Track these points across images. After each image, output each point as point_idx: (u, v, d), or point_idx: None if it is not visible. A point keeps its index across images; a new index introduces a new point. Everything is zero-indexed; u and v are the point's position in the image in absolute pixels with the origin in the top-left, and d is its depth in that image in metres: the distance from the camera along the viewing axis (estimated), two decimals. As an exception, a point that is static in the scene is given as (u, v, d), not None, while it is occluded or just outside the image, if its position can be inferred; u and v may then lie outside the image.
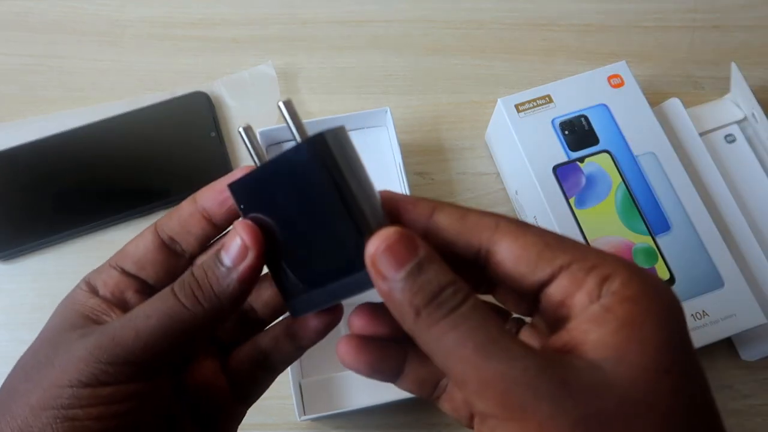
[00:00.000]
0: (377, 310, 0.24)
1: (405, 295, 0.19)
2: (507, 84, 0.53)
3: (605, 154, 0.43)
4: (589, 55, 0.54)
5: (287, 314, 0.27)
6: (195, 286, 0.23)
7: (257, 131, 0.45)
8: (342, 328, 0.43)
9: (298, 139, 0.23)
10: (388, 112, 0.46)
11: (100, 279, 0.25)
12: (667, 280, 0.40)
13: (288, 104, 0.23)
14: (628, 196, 0.42)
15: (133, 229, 0.48)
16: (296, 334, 0.26)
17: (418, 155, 0.50)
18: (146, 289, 0.26)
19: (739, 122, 0.47)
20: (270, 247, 0.23)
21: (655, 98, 0.46)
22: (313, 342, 0.26)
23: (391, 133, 0.46)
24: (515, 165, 0.45)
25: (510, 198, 0.49)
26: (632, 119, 0.44)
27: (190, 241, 0.26)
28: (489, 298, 0.24)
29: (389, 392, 0.39)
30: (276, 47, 0.54)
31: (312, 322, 0.25)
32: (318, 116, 0.48)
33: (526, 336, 0.24)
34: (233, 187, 0.24)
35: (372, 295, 0.22)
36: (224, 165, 0.49)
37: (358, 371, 0.24)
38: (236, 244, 0.22)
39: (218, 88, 0.52)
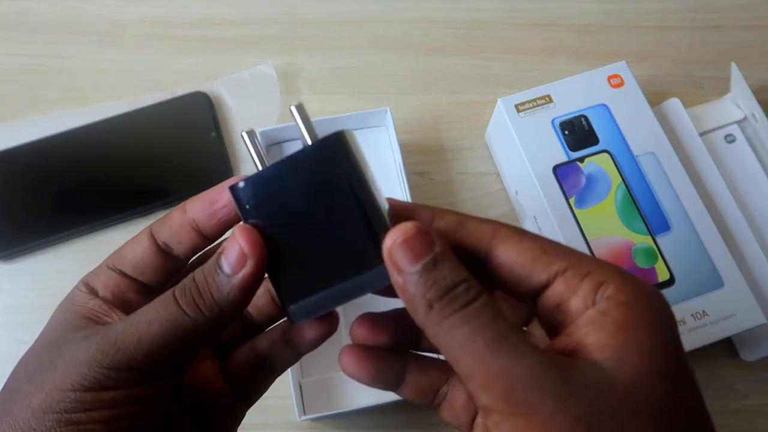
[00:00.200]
0: (378, 320, 0.25)
1: (419, 288, 0.20)
2: (507, 84, 0.53)
3: (605, 154, 0.43)
4: (589, 55, 0.54)
5: (285, 319, 0.27)
6: (196, 294, 0.22)
7: (257, 131, 0.45)
8: (343, 331, 0.43)
9: (309, 141, 0.23)
10: (388, 112, 0.46)
11: (99, 281, 0.25)
12: (667, 280, 0.40)
13: (300, 108, 0.23)
14: (628, 196, 0.42)
15: (133, 229, 0.48)
16: (293, 341, 0.26)
17: (418, 155, 0.50)
18: (147, 290, 0.26)
19: (739, 122, 0.47)
20: (272, 252, 0.22)
21: (655, 98, 0.46)
22: (310, 349, 0.27)
23: (391, 133, 0.46)
24: (515, 165, 0.45)
25: (510, 198, 0.49)
26: (632, 119, 0.44)
27: (182, 249, 0.25)
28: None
29: (389, 392, 0.39)
30: (276, 47, 0.54)
31: (308, 332, 0.26)
32: (318, 116, 0.48)
33: None
34: (236, 189, 0.23)
35: (369, 303, 0.22)
36: (224, 165, 0.49)
37: (360, 380, 0.25)
38: (234, 251, 0.22)
39: (218, 88, 0.52)
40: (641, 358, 0.19)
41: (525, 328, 0.25)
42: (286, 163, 0.22)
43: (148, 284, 0.26)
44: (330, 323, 0.25)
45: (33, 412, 0.21)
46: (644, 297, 0.20)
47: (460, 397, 0.25)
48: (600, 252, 0.41)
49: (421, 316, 0.20)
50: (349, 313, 0.29)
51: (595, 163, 0.43)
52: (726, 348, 0.45)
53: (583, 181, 0.43)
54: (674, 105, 0.47)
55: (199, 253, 0.27)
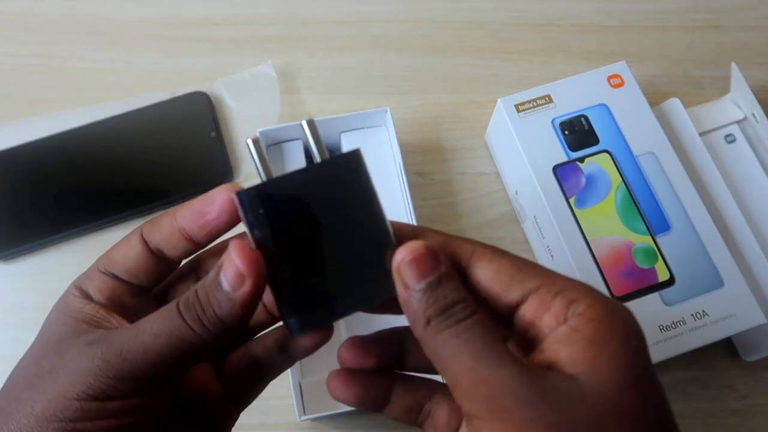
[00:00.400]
0: (364, 343, 0.26)
1: (421, 304, 0.21)
2: (507, 84, 0.53)
3: (605, 154, 0.43)
4: (589, 55, 0.54)
5: (279, 324, 0.27)
6: (200, 310, 0.22)
7: (257, 131, 0.45)
8: (342, 330, 0.43)
9: (318, 157, 0.23)
10: (388, 112, 0.46)
11: (92, 285, 0.25)
12: (667, 280, 0.40)
13: (311, 124, 0.23)
14: (628, 196, 0.42)
15: (133, 229, 0.48)
16: (287, 347, 0.27)
17: (418, 155, 0.50)
18: (143, 292, 0.26)
19: (739, 122, 0.47)
20: (274, 263, 0.22)
21: (655, 98, 0.46)
22: (304, 356, 0.27)
23: (391, 133, 0.46)
24: (515, 165, 0.45)
25: (510, 198, 0.49)
26: (632, 119, 0.44)
27: (175, 254, 0.25)
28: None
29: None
30: (276, 47, 0.54)
31: (303, 340, 0.26)
32: (318, 116, 0.48)
33: None
34: (243, 195, 0.22)
35: (366, 321, 0.22)
36: (224, 165, 0.49)
37: (348, 403, 0.26)
38: (232, 270, 0.21)
39: (218, 88, 0.52)
40: (612, 372, 0.20)
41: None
42: (298, 174, 0.22)
43: (142, 287, 0.26)
44: (325, 332, 0.26)
45: (36, 419, 0.21)
46: (614, 313, 0.21)
47: (442, 413, 0.26)
48: (600, 252, 0.41)
49: (419, 329, 0.22)
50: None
51: (595, 163, 0.43)
52: (726, 348, 0.45)
53: (583, 181, 0.43)
54: (674, 105, 0.47)
55: (192, 256, 0.27)
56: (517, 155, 0.44)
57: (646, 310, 0.39)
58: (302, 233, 0.22)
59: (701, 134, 0.46)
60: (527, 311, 0.22)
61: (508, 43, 0.55)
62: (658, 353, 0.38)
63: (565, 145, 0.43)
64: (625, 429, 0.20)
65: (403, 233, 0.23)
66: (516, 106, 0.44)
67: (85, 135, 0.49)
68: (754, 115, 0.46)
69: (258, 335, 0.28)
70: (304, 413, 0.39)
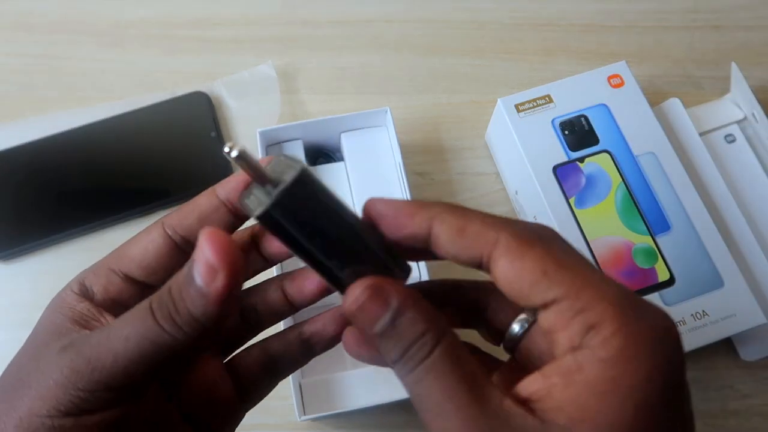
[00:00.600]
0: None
1: (382, 347, 0.20)
2: (507, 84, 0.53)
3: (605, 154, 0.43)
4: (589, 55, 0.54)
5: (295, 325, 0.27)
6: (172, 309, 0.20)
7: (257, 131, 0.45)
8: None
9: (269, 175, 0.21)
10: (388, 112, 0.46)
11: (99, 284, 0.23)
12: (667, 280, 0.40)
13: (243, 154, 0.20)
14: (628, 196, 0.42)
15: (132, 229, 0.48)
16: (310, 339, 0.26)
17: (418, 155, 0.50)
18: (150, 294, 0.24)
19: (739, 122, 0.47)
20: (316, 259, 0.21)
21: (655, 98, 0.46)
22: (326, 348, 0.26)
23: (391, 133, 0.46)
24: (515, 165, 0.45)
25: (510, 198, 0.49)
26: (632, 119, 0.44)
27: (235, 158, 0.23)
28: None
29: (389, 392, 0.39)
30: (276, 47, 0.54)
31: (329, 327, 0.25)
32: (318, 116, 0.48)
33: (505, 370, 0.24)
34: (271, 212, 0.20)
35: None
36: (224, 165, 0.49)
37: (361, 359, 0.24)
38: (202, 263, 0.19)
39: (218, 88, 0.52)
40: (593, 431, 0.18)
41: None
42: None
43: (154, 286, 0.24)
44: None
45: None
46: (634, 352, 0.18)
47: None
48: (600, 252, 0.41)
49: (394, 370, 0.21)
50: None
51: (595, 163, 0.43)
52: (726, 348, 0.45)
53: (583, 181, 0.43)
54: (674, 105, 0.47)
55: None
56: (517, 155, 0.44)
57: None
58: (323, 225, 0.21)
59: (701, 134, 0.46)
60: (545, 320, 0.20)
61: (508, 43, 0.55)
62: (658, 353, 0.38)
63: (565, 145, 0.43)
64: None
65: (415, 223, 0.21)
66: (516, 106, 0.44)
67: (85, 135, 0.49)
68: (754, 115, 0.46)
69: (277, 333, 0.27)
70: (304, 413, 0.39)
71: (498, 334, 0.24)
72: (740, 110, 0.47)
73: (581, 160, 0.43)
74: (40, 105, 0.51)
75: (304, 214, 0.20)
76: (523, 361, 0.23)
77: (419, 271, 0.42)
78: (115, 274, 0.23)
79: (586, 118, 0.44)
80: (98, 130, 0.49)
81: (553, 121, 0.44)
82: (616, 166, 0.43)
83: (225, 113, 0.51)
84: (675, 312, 0.39)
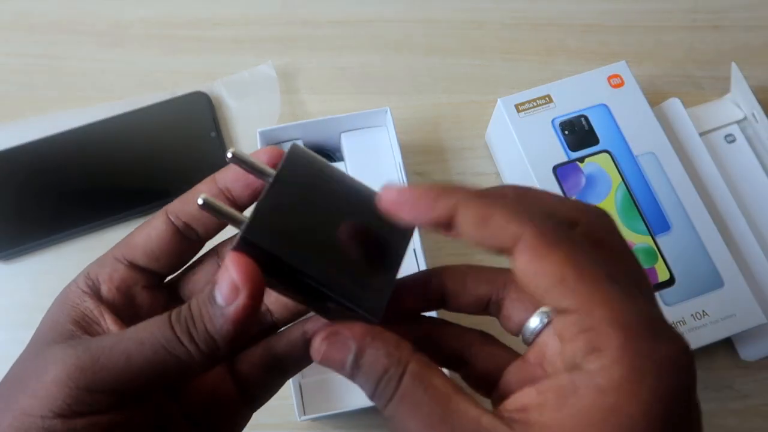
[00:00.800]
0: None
1: (358, 384, 0.21)
2: (507, 84, 0.53)
3: (605, 154, 0.43)
4: (589, 55, 0.54)
5: (302, 318, 0.26)
6: (191, 323, 0.21)
7: (257, 131, 0.45)
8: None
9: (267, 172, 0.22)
10: (388, 112, 0.46)
11: (104, 273, 0.24)
12: (667, 280, 0.40)
13: (236, 155, 0.22)
14: (628, 196, 0.42)
15: (132, 229, 0.48)
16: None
17: (418, 155, 0.50)
18: (155, 282, 0.25)
19: (739, 122, 0.47)
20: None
21: (655, 98, 0.46)
22: None
23: (391, 133, 0.46)
24: (515, 165, 0.45)
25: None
26: (632, 119, 0.44)
27: (208, 226, 0.24)
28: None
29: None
30: (276, 47, 0.54)
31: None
32: (318, 116, 0.48)
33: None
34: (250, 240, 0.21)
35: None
36: (224, 165, 0.48)
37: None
38: (226, 283, 0.20)
39: (218, 88, 0.52)
40: None
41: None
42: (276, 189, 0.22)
43: (158, 273, 0.24)
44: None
45: None
46: (632, 387, 0.17)
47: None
48: (600, 252, 0.41)
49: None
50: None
51: (595, 163, 0.43)
52: (726, 348, 0.45)
53: (583, 181, 0.43)
54: (674, 105, 0.47)
55: (201, 253, 0.26)
56: (517, 155, 0.44)
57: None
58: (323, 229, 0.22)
59: (701, 134, 0.46)
60: (557, 326, 0.20)
61: (508, 43, 0.55)
62: (658, 353, 0.38)
63: (565, 145, 0.43)
64: None
65: (438, 208, 0.20)
66: (516, 106, 0.44)
67: (85, 135, 0.49)
68: (754, 115, 0.46)
69: (280, 330, 0.27)
70: (304, 413, 0.39)
71: (515, 325, 0.24)
72: (740, 110, 0.47)
73: (581, 160, 0.43)
74: (40, 105, 0.51)
75: (267, 259, 0.21)
76: (538, 355, 0.22)
77: (417, 264, 0.42)
78: (119, 262, 0.24)
79: (586, 118, 0.44)
80: (98, 130, 0.49)
81: (553, 121, 0.44)
82: (616, 166, 0.43)
83: (225, 113, 0.51)
84: (675, 312, 0.39)
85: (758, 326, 0.39)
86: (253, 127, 0.47)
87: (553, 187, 0.42)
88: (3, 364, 0.23)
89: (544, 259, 0.19)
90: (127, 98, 0.51)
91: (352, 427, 0.43)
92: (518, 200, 0.21)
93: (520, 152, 0.43)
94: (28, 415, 0.20)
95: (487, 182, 0.50)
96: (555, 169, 0.43)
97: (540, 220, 0.19)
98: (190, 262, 0.26)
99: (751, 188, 0.45)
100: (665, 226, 0.41)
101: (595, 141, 0.43)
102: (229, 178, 0.24)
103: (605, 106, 0.44)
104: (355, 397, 0.40)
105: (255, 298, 0.20)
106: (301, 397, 0.40)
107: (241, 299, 0.20)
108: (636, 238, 0.41)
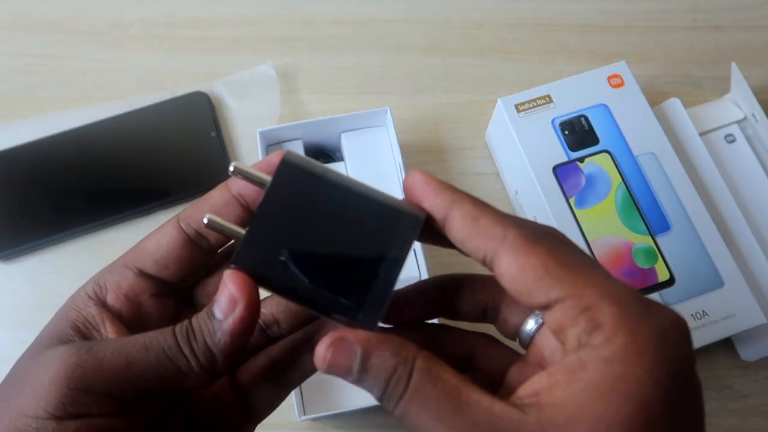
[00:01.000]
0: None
1: (366, 389, 0.21)
2: (507, 84, 0.53)
3: (605, 154, 0.43)
4: (589, 55, 0.54)
5: (303, 328, 0.26)
6: (191, 335, 0.21)
7: (257, 131, 0.45)
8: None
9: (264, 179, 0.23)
10: (388, 112, 0.46)
11: (112, 280, 0.24)
12: (667, 280, 0.40)
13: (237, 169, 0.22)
14: (628, 196, 0.42)
15: (132, 229, 0.48)
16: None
17: (418, 155, 0.50)
18: (164, 291, 0.25)
19: (739, 122, 0.47)
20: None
21: (655, 98, 0.46)
22: None
23: (391, 133, 0.46)
24: (515, 165, 0.45)
25: (510, 198, 0.49)
26: (632, 119, 0.44)
27: (219, 235, 0.24)
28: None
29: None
30: (276, 47, 0.54)
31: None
32: (318, 116, 0.48)
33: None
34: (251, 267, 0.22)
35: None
36: (224, 165, 0.49)
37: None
38: (225, 296, 0.21)
39: (218, 88, 0.52)
40: (590, 429, 0.18)
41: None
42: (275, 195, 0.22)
43: (168, 282, 0.24)
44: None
45: None
46: (636, 353, 0.18)
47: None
48: (600, 252, 0.41)
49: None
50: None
51: (595, 163, 0.43)
52: (726, 348, 0.45)
53: (583, 181, 0.43)
54: (674, 105, 0.47)
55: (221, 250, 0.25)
56: (517, 155, 0.44)
57: (646, 310, 0.39)
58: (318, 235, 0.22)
59: (701, 134, 0.46)
60: (552, 320, 0.20)
61: (508, 43, 0.55)
62: (658, 353, 0.38)
63: (565, 145, 0.43)
64: None
65: (437, 201, 0.22)
66: (516, 106, 0.44)
67: (85, 135, 0.49)
68: (754, 115, 0.46)
69: (283, 341, 0.26)
70: (304, 413, 0.39)
71: (512, 329, 0.24)
72: (740, 110, 0.47)
73: (581, 160, 0.43)
74: (40, 105, 0.51)
75: (263, 271, 0.22)
76: (536, 356, 0.23)
77: (419, 271, 0.42)
78: (128, 270, 0.24)
79: (586, 118, 0.44)
80: (98, 130, 0.49)
81: (553, 121, 0.44)
82: (616, 166, 0.43)
83: (225, 113, 0.51)
84: (675, 312, 0.39)
85: (758, 326, 0.39)
86: (253, 127, 0.47)
87: (553, 187, 0.42)
88: (3, 364, 0.23)
89: (528, 254, 0.20)
90: (127, 98, 0.51)
91: (352, 427, 0.43)
92: (503, 212, 0.22)
93: (520, 152, 0.43)
94: (23, 416, 0.20)
95: (487, 182, 0.50)
96: (555, 169, 0.43)
97: (521, 224, 0.21)
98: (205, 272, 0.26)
99: (751, 188, 0.45)
100: (665, 226, 0.41)
101: (595, 141, 0.43)
102: (242, 184, 0.24)
103: (605, 106, 0.44)
104: (355, 397, 0.40)
105: (251, 311, 0.21)
106: (301, 397, 0.40)
107: (238, 311, 0.21)
108: (636, 238, 0.41)
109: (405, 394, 0.20)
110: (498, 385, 0.24)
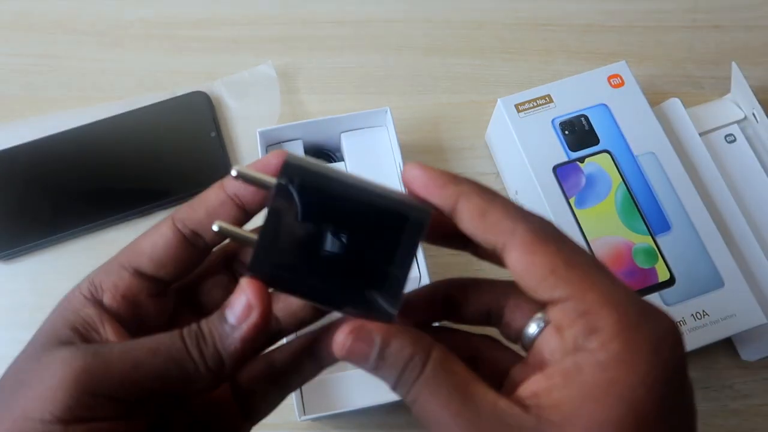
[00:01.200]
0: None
1: (380, 378, 0.22)
2: (507, 84, 0.53)
3: (605, 154, 0.43)
4: (589, 55, 0.54)
5: (306, 330, 0.26)
6: (201, 338, 0.22)
7: (257, 131, 0.45)
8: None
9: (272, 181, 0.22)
10: (388, 112, 0.46)
11: (108, 280, 0.23)
12: (667, 280, 0.40)
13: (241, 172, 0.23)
14: (628, 196, 0.42)
15: (132, 229, 0.48)
16: (318, 353, 0.26)
17: (418, 155, 0.50)
18: (159, 291, 0.24)
19: (739, 122, 0.47)
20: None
21: (655, 98, 0.46)
22: (336, 362, 0.26)
23: (391, 133, 0.46)
24: (515, 165, 0.45)
25: (510, 198, 0.49)
26: (632, 119, 0.44)
27: (217, 234, 0.24)
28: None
29: (389, 392, 0.39)
30: (276, 47, 0.54)
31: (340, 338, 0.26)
32: (318, 116, 0.48)
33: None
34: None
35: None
36: (224, 165, 0.49)
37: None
38: (241, 302, 0.22)
39: (218, 88, 0.52)
40: (584, 429, 0.19)
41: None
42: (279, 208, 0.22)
43: (164, 281, 0.24)
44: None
45: None
46: (631, 357, 0.19)
47: None
48: (600, 252, 0.41)
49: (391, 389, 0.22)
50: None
51: (595, 163, 0.43)
52: (726, 348, 0.45)
53: (583, 181, 0.43)
54: (674, 105, 0.47)
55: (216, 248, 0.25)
56: (517, 155, 0.44)
57: (646, 310, 0.39)
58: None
59: (701, 134, 0.46)
60: (553, 317, 0.21)
61: (508, 43, 0.55)
62: (658, 353, 0.38)
63: (565, 145, 0.43)
64: None
65: (444, 194, 0.22)
66: (516, 106, 0.44)
67: (85, 135, 0.49)
68: (754, 115, 0.46)
69: (283, 345, 0.26)
70: (304, 413, 0.39)
71: (514, 332, 0.25)
72: (740, 110, 0.47)
73: (581, 160, 0.43)
74: (40, 105, 0.51)
75: (280, 275, 0.22)
76: (537, 357, 0.23)
77: (419, 271, 0.42)
78: (124, 270, 0.23)
79: (586, 118, 0.44)
80: (98, 130, 0.49)
81: (553, 121, 0.44)
82: (616, 166, 0.43)
83: (225, 113, 0.51)
84: (675, 312, 0.39)
85: (758, 326, 0.39)
86: (253, 127, 0.47)
87: (553, 187, 0.42)
88: (3, 363, 0.23)
89: (536, 252, 0.20)
90: (127, 98, 0.51)
91: (352, 427, 0.43)
92: (513, 203, 0.22)
93: (520, 152, 0.43)
94: (28, 419, 0.20)
95: (487, 182, 0.49)
96: (555, 169, 0.43)
97: (530, 218, 0.21)
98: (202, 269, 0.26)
99: (751, 188, 0.45)
100: (665, 226, 0.41)
101: (595, 141, 0.43)
102: (237, 184, 0.23)
103: (605, 106, 0.44)
104: (355, 397, 0.40)
105: (265, 318, 0.22)
106: (301, 397, 0.40)
107: (252, 318, 0.21)
108: (636, 238, 0.41)
109: (418, 380, 0.21)
110: (500, 385, 0.24)
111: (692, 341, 0.39)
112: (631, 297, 0.20)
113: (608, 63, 0.46)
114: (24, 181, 0.48)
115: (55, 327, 0.22)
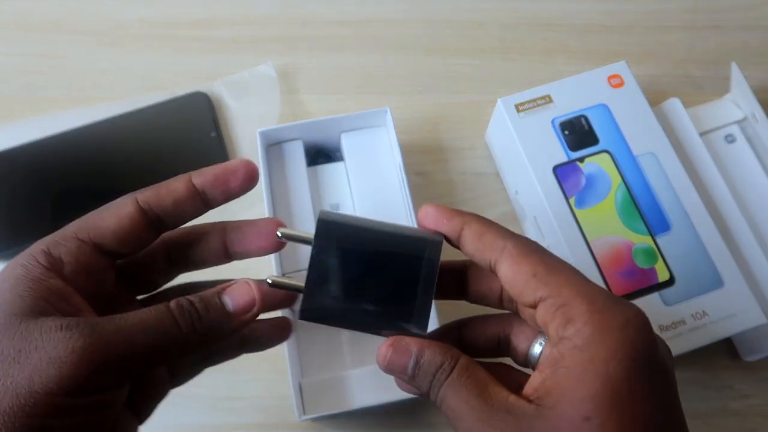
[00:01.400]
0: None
1: (416, 386, 0.26)
2: (507, 84, 0.53)
3: (605, 154, 0.43)
4: (589, 55, 0.54)
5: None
6: (196, 318, 0.24)
7: (257, 131, 0.45)
8: (343, 333, 0.43)
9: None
10: (388, 112, 0.46)
11: (69, 253, 0.24)
12: (667, 280, 0.40)
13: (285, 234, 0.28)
14: (628, 196, 0.42)
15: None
16: (247, 339, 0.31)
17: (418, 155, 0.50)
18: (112, 264, 0.26)
19: (739, 122, 0.47)
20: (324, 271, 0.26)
21: (655, 98, 0.46)
22: (259, 350, 0.32)
23: (391, 133, 0.46)
24: (515, 165, 0.45)
25: (510, 198, 0.49)
26: (632, 119, 0.44)
27: (178, 222, 0.27)
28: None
29: (389, 392, 0.39)
30: (276, 47, 0.54)
31: (271, 333, 0.31)
32: (318, 116, 0.48)
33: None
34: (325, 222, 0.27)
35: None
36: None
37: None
38: (245, 296, 0.25)
39: (218, 88, 0.52)
40: (570, 405, 0.22)
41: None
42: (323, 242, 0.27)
43: (120, 256, 0.26)
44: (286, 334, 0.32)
45: (1, 415, 0.20)
46: (601, 337, 0.22)
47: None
48: (600, 252, 0.41)
49: (427, 398, 0.26)
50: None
51: (595, 163, 0.43)
52: (726, 348, 0.45)
53: (583, 181, 0.43)
54: (674, 105, 0.47)
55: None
56: (517, 155, 0.44)
57: (646, 310, 0.39)
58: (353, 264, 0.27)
59: (701, 134, 0.46)
60: (539, 318, 0.24)
61: (508, 43, 0.55)
62: (658, 353, 0.38)
63: (565, 145, 0.43)
64: None
65: (451, 224, 0.26)
66: (516, 106, 0.44)
67: (85, 135, 0.49)
68: (754, 115, 0.46)
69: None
70: (304, 413, 0.39)
71: (522, 356, 0.28)
72: (740, 110, 0.47)
73: (581, 160, 0.43)
74: (40, 105, 0.51)
75: (325, 316, 0.27)
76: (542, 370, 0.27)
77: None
78: (85, 244, 0.25)
79: (586, 118, 0.44)
80: (98, 130, 0.49)
81: (553, 121, 0.44)
82: (616, 166, 0.43)
83: (225, 113, 0.51)
84: (675, 312, 0.39)
85: (758, 326, 0.39)
86: (253, 127, 0.47)
87: (553, 187, 0.42)
88: (3, 364, 0.23)
89: (521, 263, 0.24)
90: (127, 98, 0.51)
91: (352, 427, 0.43)
92: (505, 228, 0.27)
93: (520, 152, 0.43)
94: (35, 393, 0.20)
95: (487, 182, 0.50)
96: (555, 169, 0.43)
97: (518, 237, 0.26)
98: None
99: (751, 188, 0.45)
100: (665, 226, 0.41)
101: (595, 141, 0.44)
102: (208, 182, 0.27)
103: (605, 106, 0.44)
104: (355, 397, 0.40)
105: (260, 311, 0.26)
106: (301, 397, 0.40)
107: (252, 313, 0.26)
108: (636, 238, 0.41)
109: (446, 382, 0.25)
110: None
111: (692, 341, 0.39)
112: (601, 291, 0.24)
113: (608, 63, 0.46)
114: (24, 181, 0.48)
115: (22, 297, 0.22)
